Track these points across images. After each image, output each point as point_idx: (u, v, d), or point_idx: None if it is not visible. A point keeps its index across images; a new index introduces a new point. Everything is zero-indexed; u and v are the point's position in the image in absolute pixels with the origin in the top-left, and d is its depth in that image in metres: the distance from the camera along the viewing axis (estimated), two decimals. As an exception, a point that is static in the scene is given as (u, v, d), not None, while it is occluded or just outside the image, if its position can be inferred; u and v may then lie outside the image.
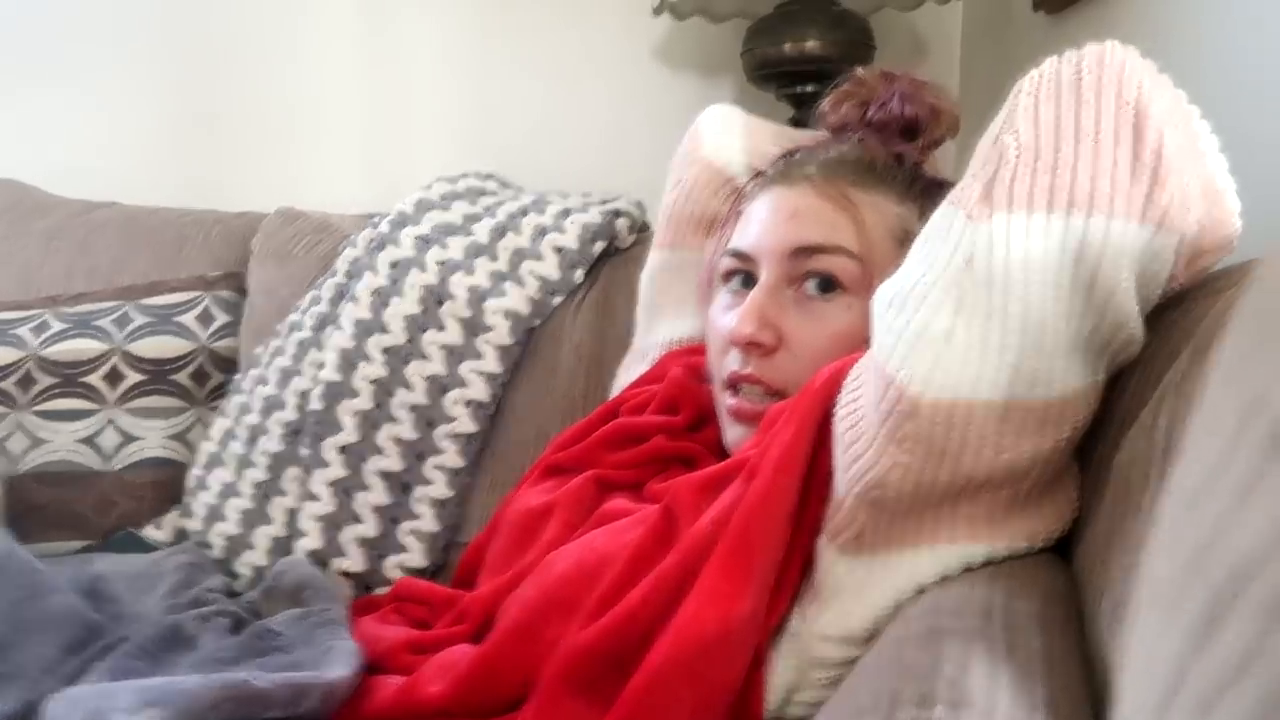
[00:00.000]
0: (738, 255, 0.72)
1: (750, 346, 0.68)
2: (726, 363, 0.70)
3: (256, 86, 1.52)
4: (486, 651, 0.61)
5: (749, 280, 0.71)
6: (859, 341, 0.65)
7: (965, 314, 0.45)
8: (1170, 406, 0.44)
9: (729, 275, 0.73)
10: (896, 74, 0.77)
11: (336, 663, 0.64)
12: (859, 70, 0.78)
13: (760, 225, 0.71)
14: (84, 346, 1.18)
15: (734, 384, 0.69)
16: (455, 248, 1.05)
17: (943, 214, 0.49)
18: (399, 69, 1.50)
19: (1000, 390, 0.45)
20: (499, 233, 1.07)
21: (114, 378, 1.17)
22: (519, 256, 1.06)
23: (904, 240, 0.68)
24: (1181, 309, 0.49)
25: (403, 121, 1.51)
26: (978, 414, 0.45)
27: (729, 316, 0.70)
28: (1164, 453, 0.43)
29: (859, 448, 0.50)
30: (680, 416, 0.77)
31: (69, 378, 1.16)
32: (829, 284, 0.68)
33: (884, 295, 0.50)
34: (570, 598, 0.60)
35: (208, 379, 1.20)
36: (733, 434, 0.71)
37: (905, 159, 0.73)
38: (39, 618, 0.74)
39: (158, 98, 1.53)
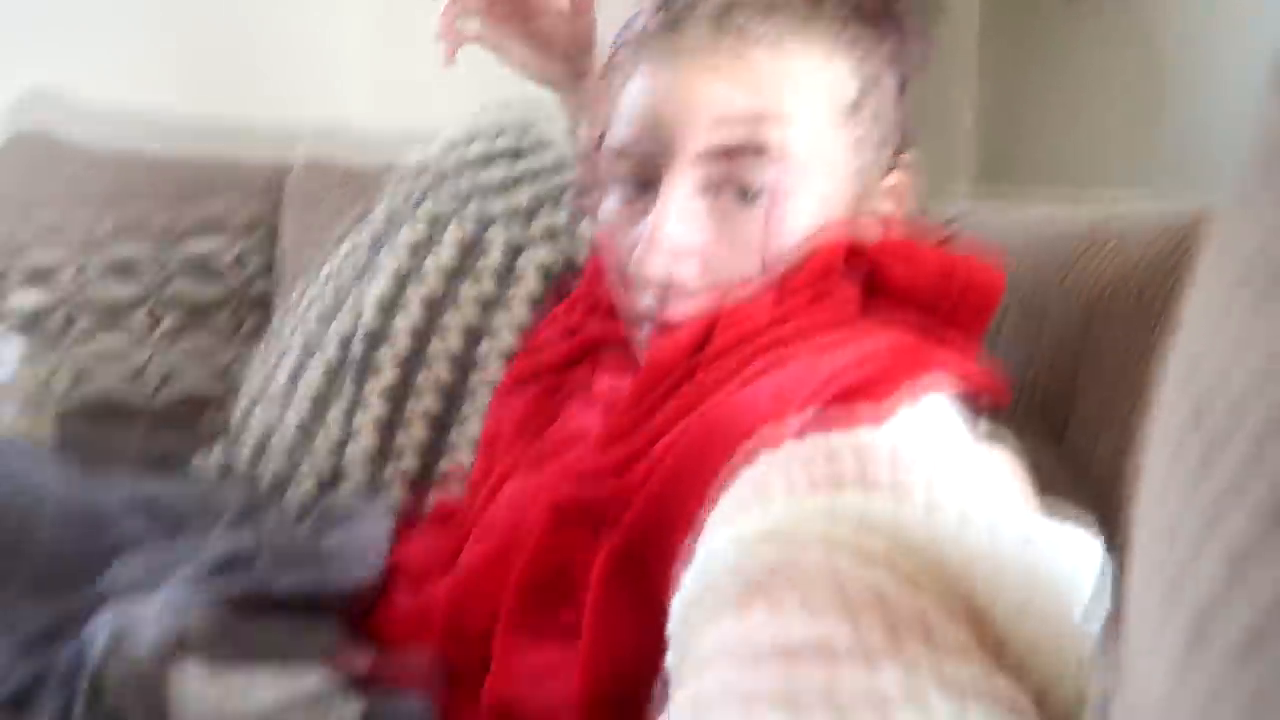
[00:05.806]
0: (627, 156, 0.57)
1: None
2: (637, 296, 0.58)
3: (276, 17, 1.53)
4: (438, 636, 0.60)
5: (645, 183, 0.56)
6: (790, 248, 0.55)
7: None
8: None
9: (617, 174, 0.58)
10: None
11: (358, 562, 0.67)
12: None
13: (650, 114, 0.55)
14: (121, 290, 1.23)
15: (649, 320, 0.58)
16: (494, 205, 1.10)
17: None
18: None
19: None
20: (537, 200, 1.11)
21: (153, 319, 1.22)
22: (556, 222, 1.10)
23: (841, 112, 0.56)
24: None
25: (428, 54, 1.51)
26: None
27: (631, 236, 0.57)
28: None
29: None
30: (600, 290, 0.68)
31: (108, 320, 1.21)
32: (755, 190, 0.54)
33: None
34: (485, 592, 0.56)
35: (243, 322, 1.25)
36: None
37: None
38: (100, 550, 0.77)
39: (179, 34, 1.53)
